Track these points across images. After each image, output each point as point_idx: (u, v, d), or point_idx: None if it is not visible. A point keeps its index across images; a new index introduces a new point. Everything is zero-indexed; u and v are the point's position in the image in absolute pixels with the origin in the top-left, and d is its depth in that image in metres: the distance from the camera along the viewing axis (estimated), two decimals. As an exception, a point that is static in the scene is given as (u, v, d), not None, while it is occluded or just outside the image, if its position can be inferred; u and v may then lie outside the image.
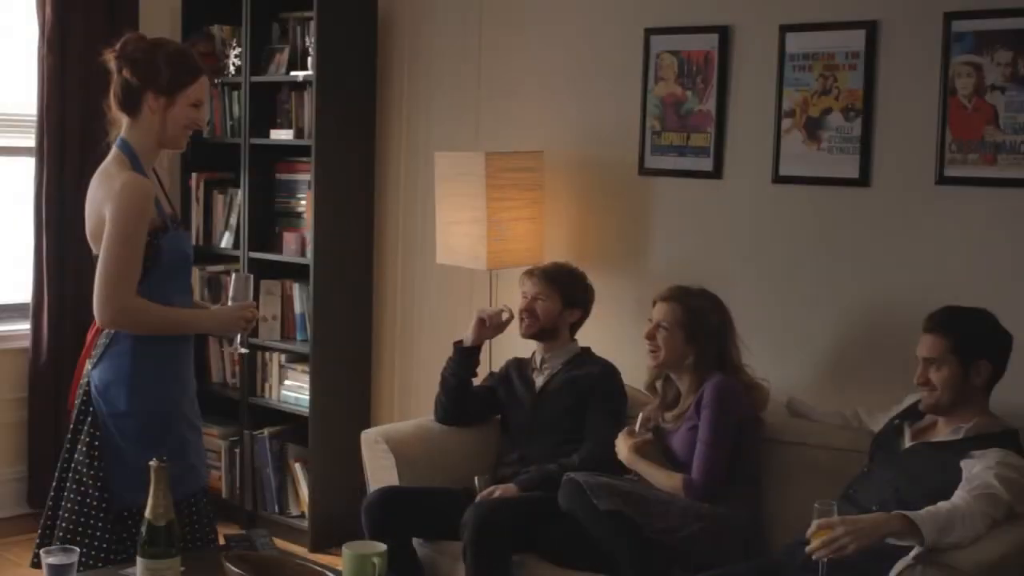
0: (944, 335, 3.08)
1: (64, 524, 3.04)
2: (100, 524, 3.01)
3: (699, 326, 3.50)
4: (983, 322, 3.12)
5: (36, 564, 3.12)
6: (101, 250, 2.97)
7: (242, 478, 4.95)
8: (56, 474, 3.13)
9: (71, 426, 3.12)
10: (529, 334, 3.90)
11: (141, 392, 3.04)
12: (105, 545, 3.00)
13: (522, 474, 3.68)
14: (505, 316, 3.97)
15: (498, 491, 3.59)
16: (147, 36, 3.11)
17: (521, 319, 3.89)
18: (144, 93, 3.02)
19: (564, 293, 3.88)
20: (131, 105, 3.04)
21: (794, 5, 3.77)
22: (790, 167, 3.79)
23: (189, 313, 3.16)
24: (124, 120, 3.07)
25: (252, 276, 3.28)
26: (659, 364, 3.57)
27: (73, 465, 3.06)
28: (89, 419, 3.05)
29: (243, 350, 3.36)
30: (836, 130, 3.68)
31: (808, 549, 2.75)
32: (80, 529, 3.02)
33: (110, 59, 3.05)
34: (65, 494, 3.07)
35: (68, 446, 3.10)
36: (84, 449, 3.04)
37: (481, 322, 3.94)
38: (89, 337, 3.17)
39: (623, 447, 3.53)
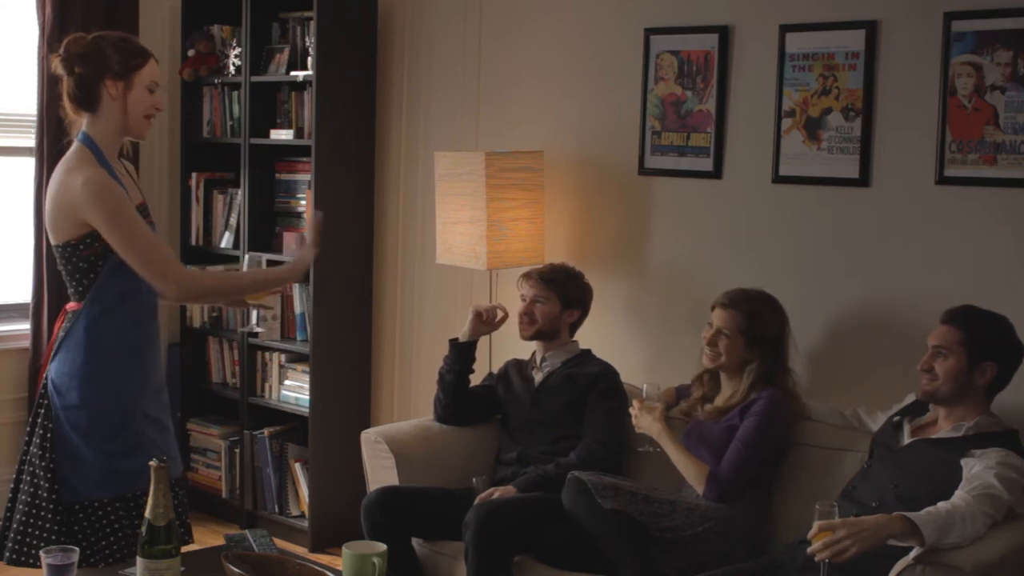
0: (959, 327, 3.10)
1: (19, 516, 3.04)
2: (51, 516, 3.01)
3: (760, 332, 3.49)
4: (1001, 326, 3.13)
5: None
6: (118, 250, 2.95)
7: (242, 478, 4.95)
8: (16, 467, 3.14)
9: (28, 419, 3.12)
10: (527, 336, 3.91)
11: (93, 387, 3.02)
12: (54, 538, 2.99)
13: (520, 475, 3.68)
14: (500, 315, 3.98)
15: (497, 492, 3.59)
16: (86, 34, 3.10)
17: (520, 322, 3.90)
18: (101, 83, 3.02)
19: (562, 295, 3.89)
20: (89, 100, 3.04)
21: (794, 5, 3.77)
22: (790, 167, 3.79)
23: (250, 272, 3.18)
24: (84, 118, 3.07)
25: (264, 256, 3.30)
26: (716, 367, 3.56)
27: (28, 458, 3.07)
28: (43, 412, 3.05)
29: (259, 328, 3.37)
30: (836, 130, 3.68)
31: (810, 551, 2.76)
32: (32, 521, 3.02)
33: (57, 63, 3.05)
34: (21, 486, 3.08)
35: (27, 438, 3.10)
36: (38, 441, 3.04)
37: (478, 316, 3.95)
38: (55, 330, 3.16)
39: (647, 418, 3.51)
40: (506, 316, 3.99)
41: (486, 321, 3.97)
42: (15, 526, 3.04)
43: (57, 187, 3.02)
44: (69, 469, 3.02)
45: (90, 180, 2.95)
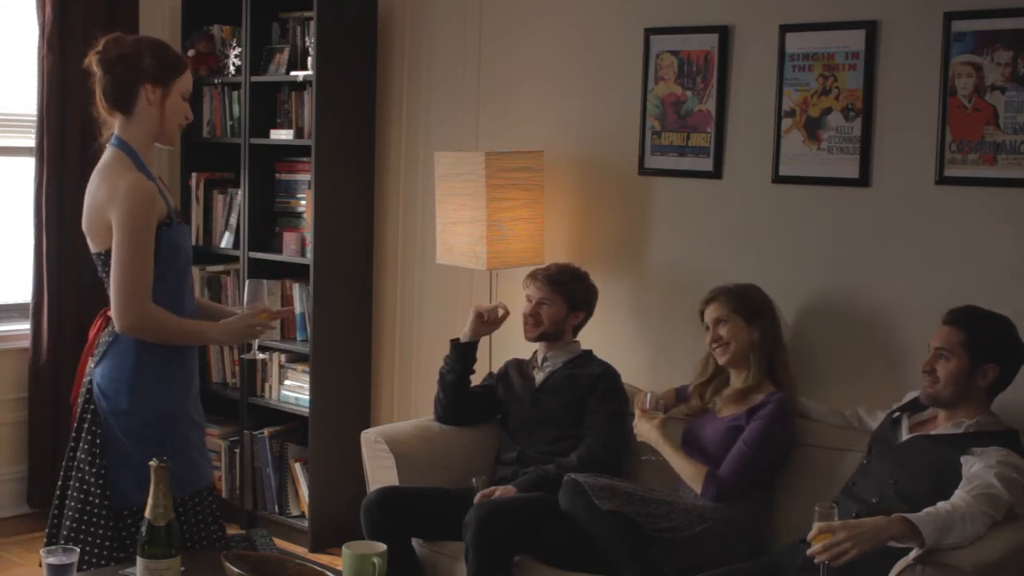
0: (961, 329, 3.09)
1: (68, 523, 3.04)
2: (102, 523, 3.01)
3: (751, 305, 3.53)
4: (1002, 328, 3.13)
5: None
6: (112, 259, 2.95)
7: (242, 478, 4.95)
8: (61, 473, 3.14)
9: (74, 425, 3.11)
10: (532, 338, 3.91)
11: (143, 392, 3.03)
12: (108, 543, 3.00)
13: (520, 475, 3.68)
14: (501, 312, 3.98)
15: (497, 491, 3.59)
16: (125, 35, 3.10)
17: (525, 323, 3.89)
18: (139, 87, 3.01)
19: (569, 297, 3.88)
20: (125, 102, 3.03)
21: (794, 5, 3.77)
22: (790, 167, 3.79)
23: (200, 326, 3.14)
24: (118, 119, 3.06)
25: (265, 282, 3.26)
26: (730, 357, 3.55)
27: (76, 464, 3.06)
28: (90, 417, 3.05)
29: (261, 356, 3.34)
30: (836, 130, 3.68)
31: (809, 552, 2.76)
32: (83, 528, 3.02)
33: (93, 61, 3.03)
34: (69, 492, 3.07)
35: (72, 444, 3.10)
36: (86, 447, 3.03)
37: (479, 316, 3.95)
38: (91, 334, 3.16)
39: (646, 426, 3.53)
40: (507, 314, 3.99)
41: (487, 322, 3.97)
42: (65, 532, 3.04)
43: (96, 195, 3.02)
44: (120, 474, 3.02)
45: (132, 187, 2.95)
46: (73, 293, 4.73)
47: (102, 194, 3.00)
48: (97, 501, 3.02)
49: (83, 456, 3.04)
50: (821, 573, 2.77)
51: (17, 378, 4.84)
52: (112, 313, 2.99)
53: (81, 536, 3.01)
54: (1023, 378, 3.17)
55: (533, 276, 3.91)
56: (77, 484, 3.05)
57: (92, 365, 3.10)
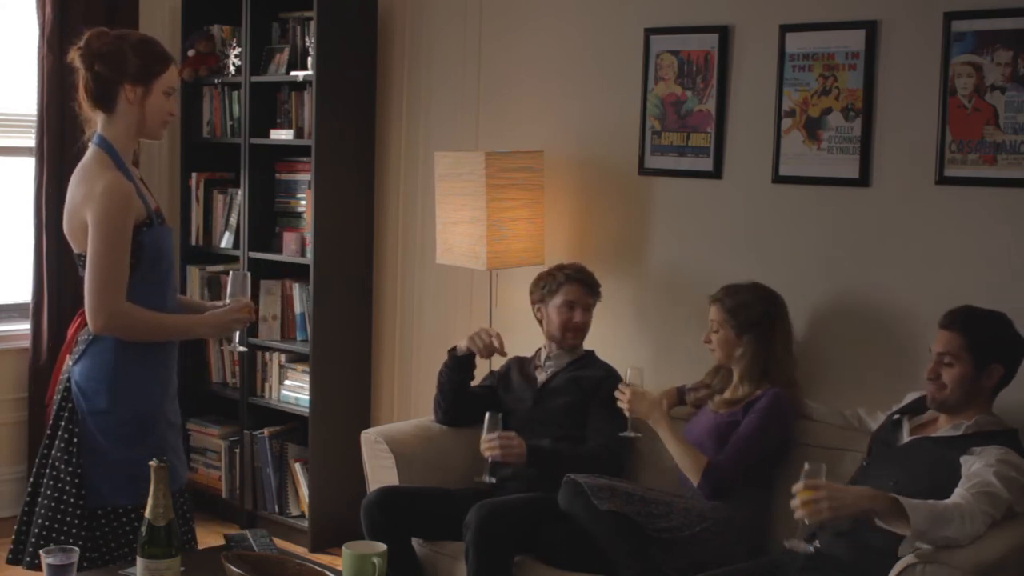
0: (961, 333, 3.07)
1: (40, 520, 3.02)
2: (75, 523, 2.99)
3: (744, 318, 3.52)
4: (1001, 326, 3.12)
5: (12, 560, 3.10)
6: (87, 257, 2.95)
7: (242, 478, 4.95)
8: (33, 471, 3.11)
9: (50, 423, 3.09)
10: (574, 346, 3.91)
11: (122, 391, 3.01)
12: (80, 543, 2.96)
13: (521, 474, 3.66)
14: (496, 344, 3.88)
15: (515, 441, 3.54)
16: (108, 30, 3.07)
17: (570, 331, 3.86)
18: (119, 86, 2.99)
19: (596, 300, 3.93)
20: (106, 100, 3.01)
21: (794, 5, 3.77)
22: (790, 167, 3.79)
23: (181, 319, 3.13)
24: (99, 117, 3.04)
25: (249, 274, 3.26)
26: (719, 361, 3.60)
27: (51, 462, 3.04)
28: (67, 415, 3.03)
29: (241, 348, 3.35)
30: (836, 130, 3.68)
31: (792, 504, 2.75)
32: (56, 526, 3.00)
33: (76, 57, 3.01)
34: (42, 491, 3.05)
35: (47, 442, 3.07)
36: (62, 446, 3.01)
37: (472, 344, 3.88)
38: (70, 333, 3.15)
39: (644, 404, 3.50)
40: (503, 353, 3.92)
41: (482, 349, 3.92)
42: (36, 530, 3.02)
43: (74, 195, 3.00)
44: (96, 474, 3.01)
45: (109, 186, 2.93)
46: (73, 293, 4.72)
47: (80, 194, 2.98)
48: (72, 500, 3.00)
49: (59, 455, 3.02)
50: (800, 530, 2.78)
51: (17, 378, 4.84)
52: (86, 312, 2.98)
53: (53, 536, 2.99)
54: (1022, 379, 3.17)
55: (582, 283, 3.87)
56: (51, 483, 3.02)
57: (70, 363, 3.08)
